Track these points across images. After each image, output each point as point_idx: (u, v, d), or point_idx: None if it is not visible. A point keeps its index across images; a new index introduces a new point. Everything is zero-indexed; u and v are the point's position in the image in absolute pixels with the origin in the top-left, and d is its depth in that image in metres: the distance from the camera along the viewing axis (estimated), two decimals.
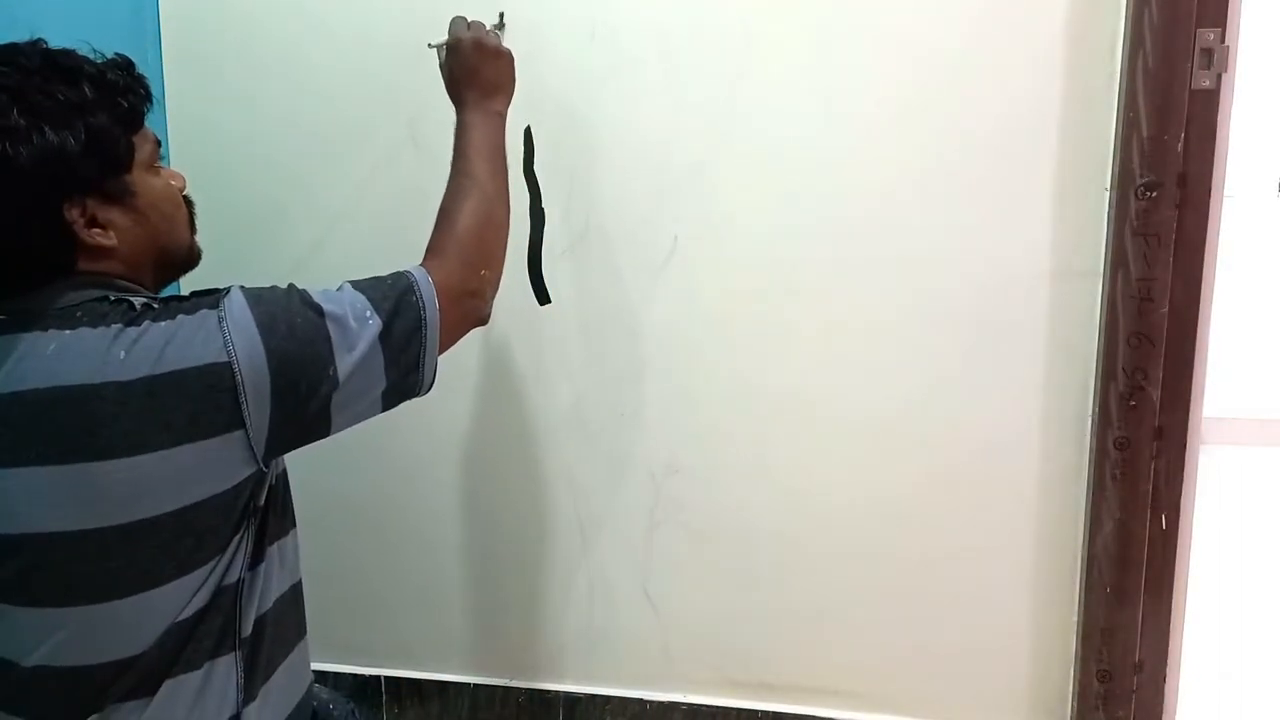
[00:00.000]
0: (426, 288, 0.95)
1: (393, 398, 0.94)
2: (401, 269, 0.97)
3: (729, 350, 1.42)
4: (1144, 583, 1.35)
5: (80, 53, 0.90)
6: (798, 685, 1.50)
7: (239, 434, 0.84)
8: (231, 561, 0.89)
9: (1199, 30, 1.21)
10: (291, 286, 0.91)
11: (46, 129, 0.83)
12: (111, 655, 0.85)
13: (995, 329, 1.34)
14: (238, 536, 0.89)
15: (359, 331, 0.89)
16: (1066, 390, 1.34)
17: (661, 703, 1.54)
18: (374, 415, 0.93)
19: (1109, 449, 1.32)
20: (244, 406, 0.83)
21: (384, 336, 0.90)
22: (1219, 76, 1.21)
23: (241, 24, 1.48)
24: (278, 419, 0.85)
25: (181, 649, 0.88)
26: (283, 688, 0.97)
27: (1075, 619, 1.40)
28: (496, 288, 1.08)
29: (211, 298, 0.87)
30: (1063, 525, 1.38)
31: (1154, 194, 1.24)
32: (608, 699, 1.55)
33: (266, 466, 0.88)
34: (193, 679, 0.88)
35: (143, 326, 0.83)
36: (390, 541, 1.59)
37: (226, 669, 0.91)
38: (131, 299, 0.87)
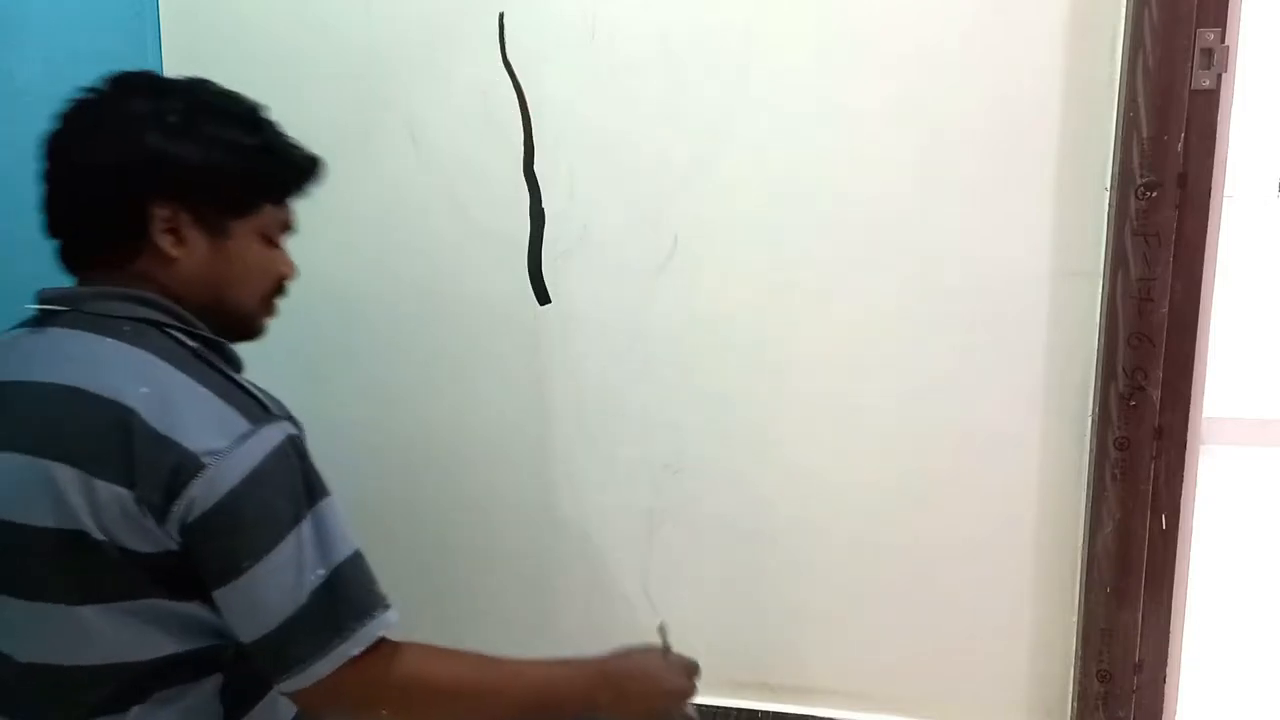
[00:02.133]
0: (373, 629, 0.86)
1: (266, 647, 0.84)
2: (388, 606, 0.89)
3: (729, 350, 1.42)
4: (1144, 583, 1.35)
5: (283, 132, 0.96)
6: (798, 685, 1.50)
7: (151, 522, 0.81)
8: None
9: (1199, 30, 1.20)
10: (315, 485, 0.87)
11: (188, 139, 0.88)
12: (78, 660, 0.85)
13: (995, 329, 1.34)
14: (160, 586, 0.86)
15: (296, 572, 0.83)
16: (1066, 390, 1.34)
17: None
18: (245, 638, 0.85)
19: (1109, 449, 1.32)
20: (174, 508, 0.81)
21: (311, 599, 0.83)
22: (1219, 76, 1.21)
23: (241, 24, 1.48)
24: (186, 545, 0.82)
25: (173, 665, 0.87)
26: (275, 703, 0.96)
27: (1075, 619, 1.40)
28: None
29: (261, 414, 0.85)
30: (1063, 525, 1.38)
31: (1154, 194, 1.24)
32: None
33: (172, 562, 0.84)
34: (180, 693, 0.88)
35: (181, 378, 0.84)
36: (388, 542, 1.59)
37: (214, 686, 0.90)
38: (181, 336, 0.89)
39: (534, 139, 1.32)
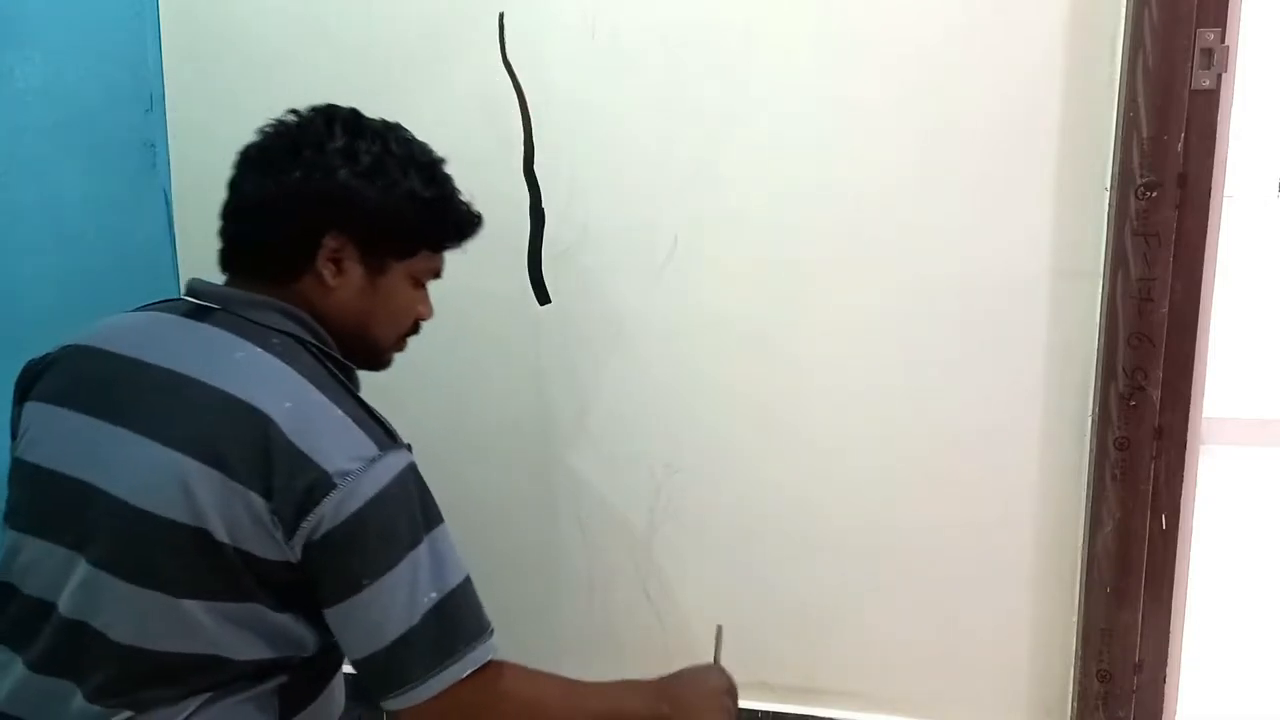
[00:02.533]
0: (480, 655, 0.89)
1: (378, 662, 0.88)
2: (491, 630, 0.92)
3: (729, 350, 1.42)
4: (1144, 583, 1.35)
5: (457, 188, 1.03)
6: (798, 685, 1.50)
7: (280, 535, 0.85)
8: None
9: (1199, 30, 1.20)
10: (432, 510, 0.91)
11: (375, 182, 0.95)
12: (167, 646, 0.87)
13: (995, 328, 1.34)
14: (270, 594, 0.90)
15: (409, 593, 0.87)
16: (1066, 390, 1.34)
17: None
18: (354, 654, 0.89)
19: (1109, 449, 1.32)
20: (306, 521, 0.84)
21: (423, 621, 0.87)
22: (1219, 76, 1.21)
23: (241, 24, 1.48)
24: (309, 558, 0.86)
25: (228, 672, 0.89)
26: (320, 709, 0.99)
27: (1075, 619, 1.40)
28: None
29: (387, 439, 0.90)
30: (1063, 525, 1.38)
31: (1154, 194, 1.24)
32: None
33: (292, 575, 0.88)
34: (242, 688, 0.90)
35: (321, 399, 0.89)
36: None
37: (274, 685, 0.92)
38: (324, 360, 0.93)
39: (534, 139, 1.32)
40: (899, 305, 1.36)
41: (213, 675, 0.88)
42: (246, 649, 0.89)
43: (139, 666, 0.87)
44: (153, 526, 0.85)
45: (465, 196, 1.03)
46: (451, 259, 1.48)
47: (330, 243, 0.95)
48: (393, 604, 0.86)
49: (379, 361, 1.04)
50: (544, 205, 1.33)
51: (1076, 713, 1.42)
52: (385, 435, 0.91)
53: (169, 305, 0.98)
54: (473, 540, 1.58)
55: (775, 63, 1.33)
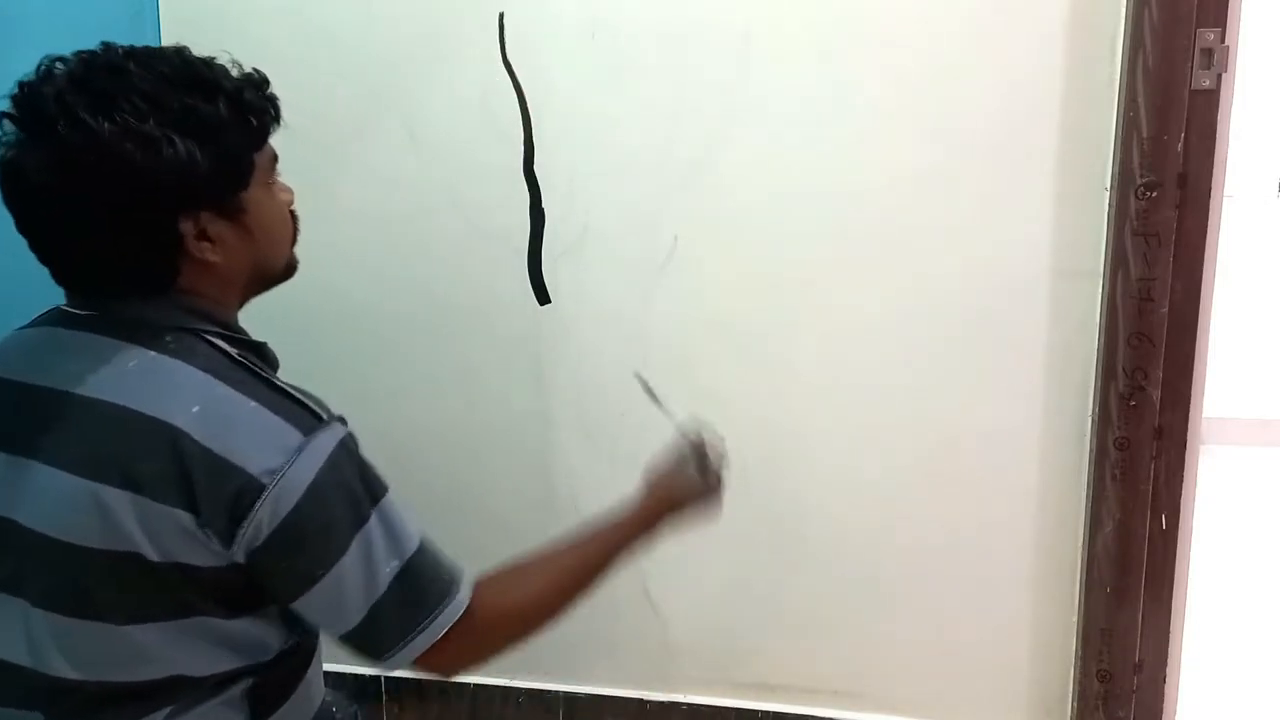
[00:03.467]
0: (450, 614, 0.88)
1: (353, 642, 0.87)
2: (459, 577, 0.91)
3: (728, 350, 1.42)
4: (1144, 583, 1.35)
5: (219, 62, 0.87)
6: (797, 685, 1.50)
7: (219, 546, 0.82)
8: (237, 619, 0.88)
9: (1199, 30, 1.20)
10: (372, 480, 0.88)
11: (179, 140, 0.81)
12: (124, 676, 0.85)
13: (995, 329, 1.34)
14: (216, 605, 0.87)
15: (369, 567, 0.85)
16: (1066, 390, 1.34)
17: (661, 703, 1.54)
18: (328, 633, 0.88)
19: (1109, 449, 1.32)
20: (241, 531, 0.81)
21: (383, 595, 0.85)
22: (1219, 76, 1.21)
23: (241, 24, 1.48)
24: (255, 563, 0.82)
25: (187, 688, 0.87)
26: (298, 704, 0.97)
27: (1075, 619, 1.40)
28: (480, 665, 0.96)
29: (311, 421, 0.84)
30: (1063, 525, 1.38)
31: (1154, 194, 1.24)
32: (608, 699, 1.55)
33: (238, 577, 0.85)
34: (209, 696, 0.88)
35: (228, 393, 0.82)
36: None
37: (231, 696, 0.90)
38: (225, 346, 0.86)
39: (534, 139, 1.32)
40: (899, 305, 1.36)
41: (177, 692, 0.86)
42: (205, 664, 0.86)
43: (99, 694, 0.84)
44: (79, 557, 0.81)
45: (236, 72, 0.89)
46: (452, 260, 1.48)
47: (186, 226, 0.84)
48: (353, 585, 0.84)
49: (289, 272, 0.97)
50: (544, 205, 1.34)
51: (1076, 713, 1.42)
52: (308, 415, 0.84)
53: (48, 316, 0.91)
54: (472, 539, 1.57)
55: (775, 63, 1.33)
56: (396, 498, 0.89)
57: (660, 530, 1.06)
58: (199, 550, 0.81)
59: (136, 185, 0.80)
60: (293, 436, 0.82)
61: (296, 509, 0.81)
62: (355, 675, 1.62)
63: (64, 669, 0.84)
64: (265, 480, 0.80)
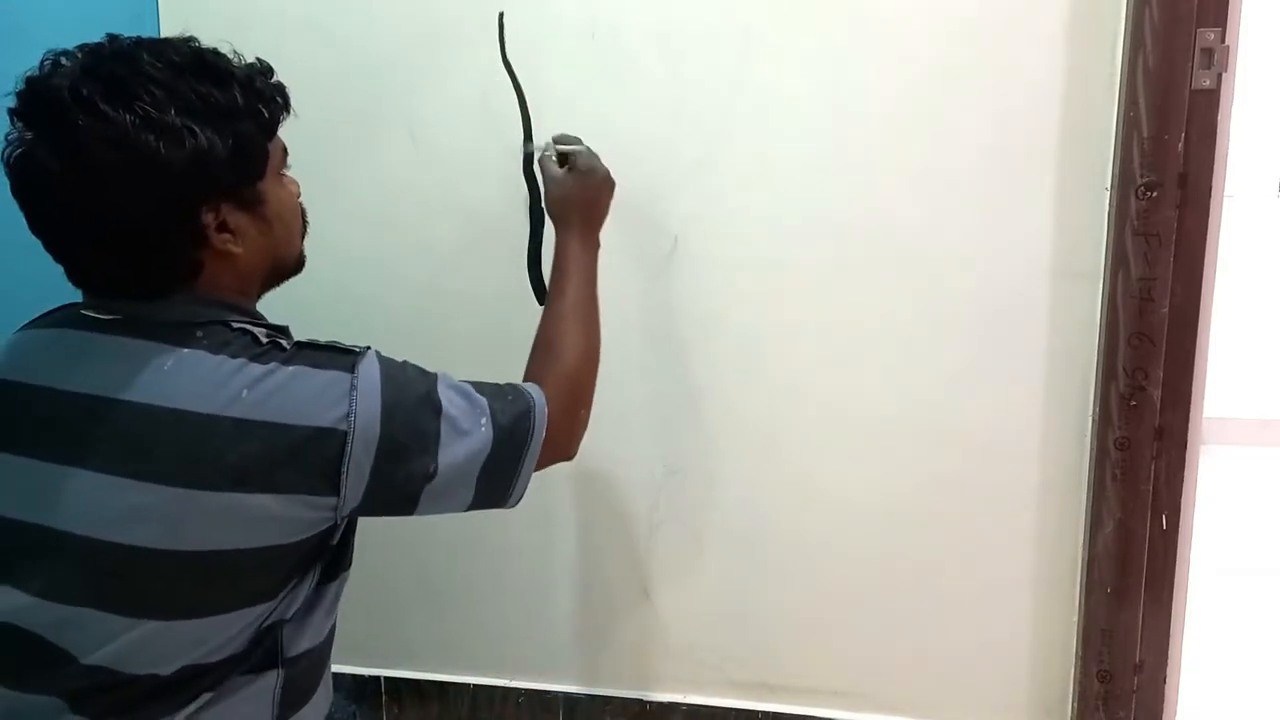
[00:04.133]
0: (541, 415, 0.96)
1: (480, 503, 0.94)
2: (521, 386, 0.99)
3: (728, 351, 1.42)
4: (1144, 583, 1.35)
5: (224, 52, 0.90)
6: (798, 685, 1.50)
7: (330, 499, 0.84)
8: (289, 599, 0.90)
9: (1199, 30, 1.20)
10: (420, 372, 0.92)
11: (199, 130, 0.81)
12: (149, 669, 0.85)
13: (995, 329, 1.34)
14: (298, 579, 0.90)
15: (468, 436, 0.90)
16: (1066, 390, 1.34)
17: (661, 703, 1.54)
18: (458, 512, 0.95)
19: (1109, 449, 1.32)
20: (344, 477, 0.84)
21: (493, 448, 0.92)
22: (1219, 76, 1.21)
23: (241, 24, 1.47)
24: (370, 494, 0.86)
25: (223, 676, 0.87)
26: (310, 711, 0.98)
27: (1075, 619, 1.40)
28: (586, 427, 1.09)
29: (348, 358, 0.87)
30: (1063, 525, 1.38)
31: (1154, 194, 1.24)
32: (608, 699, 1.55)
33: (341, 523, 0.89)
34: (227, 702, 0.88)
35: (269, 367, 0.84)
36: (389, 541, 1.59)
37: (263, 691, 0.91)
38: (253, 329, 0.87)
39: (534, 139, 1.32)
40: (898, 305, 1.36)
41: (197, 681, 0.86)
42: (223, 647, 0.87)
43: (119, 691, 0.85)
44: (143, 560, 0.81)
45: (246, 65, 0.91)
46: (452, 260, 1.48)
47: (207, 218, 0.84)
48: (466, 456, 0.89)
49: (298, 265, 0.99)
50: (544, 205, 1.33)
51: (1076, 713, 1.42)
52: (342, 355, 0.88)
53: (63, 317, 0.90)
54: (472, 539, 1.58)
55: (775, 64, 1.33)
56: (448, 375, 0.94)
57: (594, 234, 1.18)
58: (312, 517, 0.85)
59: (159, 177, 0.80)
60: (343, 380, 0.85)
61: (384, 434, 0.85)
62: (355, 676, 1.62)
63: (112, 663, 0.84)
64: (343, 427, 0.83)
